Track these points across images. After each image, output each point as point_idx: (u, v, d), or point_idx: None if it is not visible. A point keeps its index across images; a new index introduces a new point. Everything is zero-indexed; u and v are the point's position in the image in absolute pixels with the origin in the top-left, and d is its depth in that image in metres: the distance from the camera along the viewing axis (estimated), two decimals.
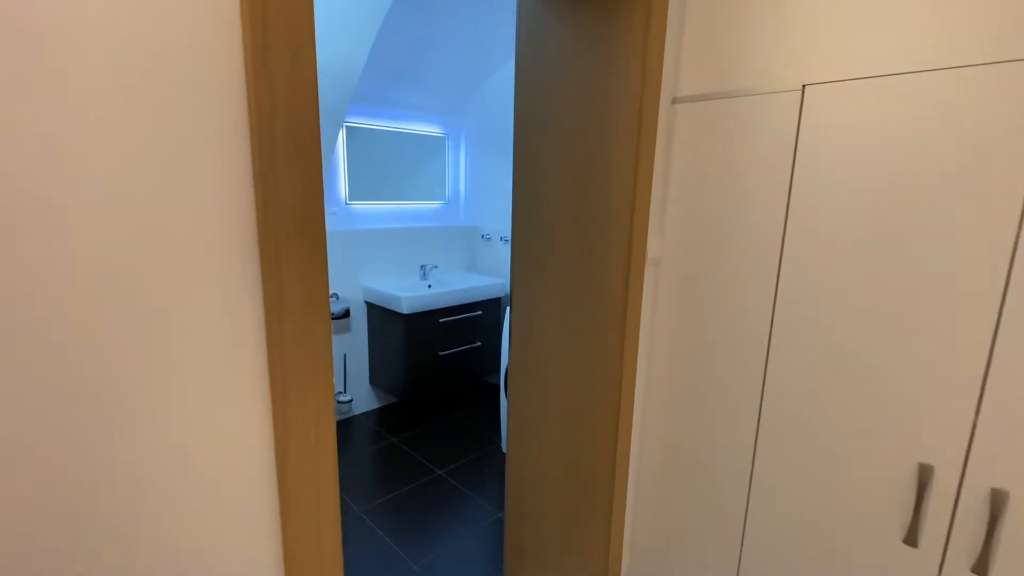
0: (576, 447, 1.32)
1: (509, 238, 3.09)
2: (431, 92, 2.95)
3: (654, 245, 1.17)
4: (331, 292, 2.69)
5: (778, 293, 1.05)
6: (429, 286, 2.97)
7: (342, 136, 2.73)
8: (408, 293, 2.56)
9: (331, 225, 2.77)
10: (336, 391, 2.82)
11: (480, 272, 3.35)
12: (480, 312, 2.89)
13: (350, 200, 2.83)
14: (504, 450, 2.47)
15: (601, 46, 1.12)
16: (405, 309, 2.54)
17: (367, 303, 2.83)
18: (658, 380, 1.25)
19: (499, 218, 3.17)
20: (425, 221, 3.22)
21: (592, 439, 1.27)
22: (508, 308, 2.32)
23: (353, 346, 2.84)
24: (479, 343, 2.93)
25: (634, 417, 1.28)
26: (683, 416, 1.22)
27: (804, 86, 0.98)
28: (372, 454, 2.49)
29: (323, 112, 2.35)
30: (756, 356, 1.09)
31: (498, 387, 3.30)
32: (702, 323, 1.15)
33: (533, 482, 1.48)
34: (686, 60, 1.13)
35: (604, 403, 1.22)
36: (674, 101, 1.15)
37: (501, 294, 2.99)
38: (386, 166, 2.95)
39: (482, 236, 3.29)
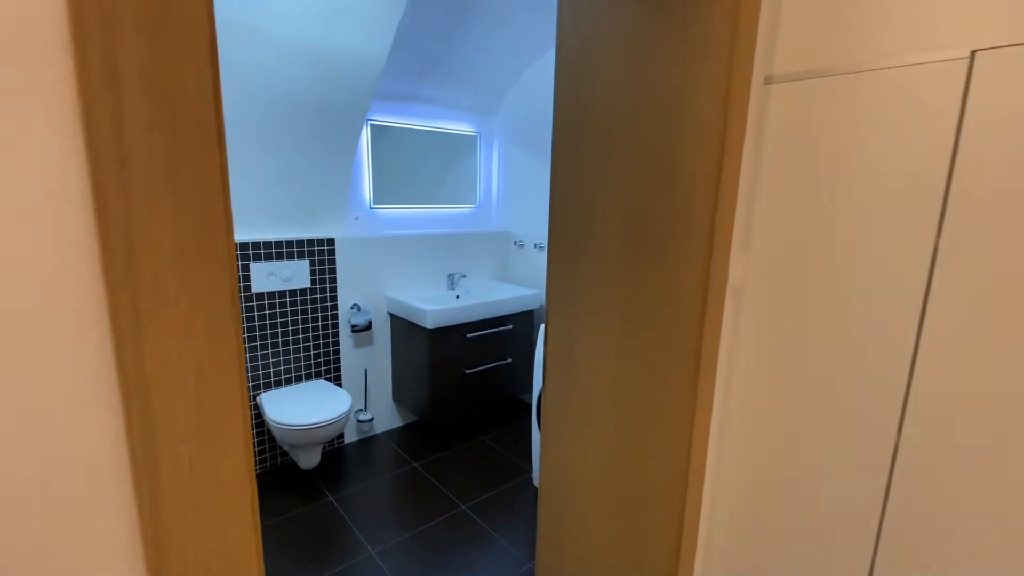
0: (630, 503, 1.06)
1: (544, 245, 2.84)
2: (462, 87, 2.74)
3: (738, 267, 0.90)
4: (352, 303, 2.51)
5: (924, 333, 0.76)
6: (457, 296, 2.75)
7: (366, 135, 2.55)
8: (433, 306, 2.34)
9: (354, 231, 2.58)
10: (356, 408, 2.64)
11: (512, 281, 3.11)
12: (511, 326, 2.65)
13: (375, 204, 2.64)
14: (536, 484, 2.22)
15: (669, 20, 0.86)
16: (430, 324, 2.32)
17: (391, 315, 2.63)
18: (738, 426, 0.98)
19: (533, 223, 2.92)
20: (454, 226, 3.00)
21: (653, 494, 1.00)
22: (543, 325, 2.07)
23: (375, 360, 2.65)
24: (509, 359, 2.69)
25: (707, 470, 1.01)
26: (776, 466, 0.94)
27: (973, 52, 0.69)
28: (391, 482, 2.28)
29: (343, 108, 2.16)
30: (886, 393, 0.80)
31: (530, 405, 3.05)
32: (802, 357, 0.87)
33: (572, 540, 1.23)
34: (787, 25, 0.86)
35: (669, 457, 0.95)
36: (767, 81, 0.88)
37: (535, 306, 2.75)
38: (413, 167, 2.75)
39: (515, 242, 3.05)
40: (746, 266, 0.92)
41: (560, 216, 1.11)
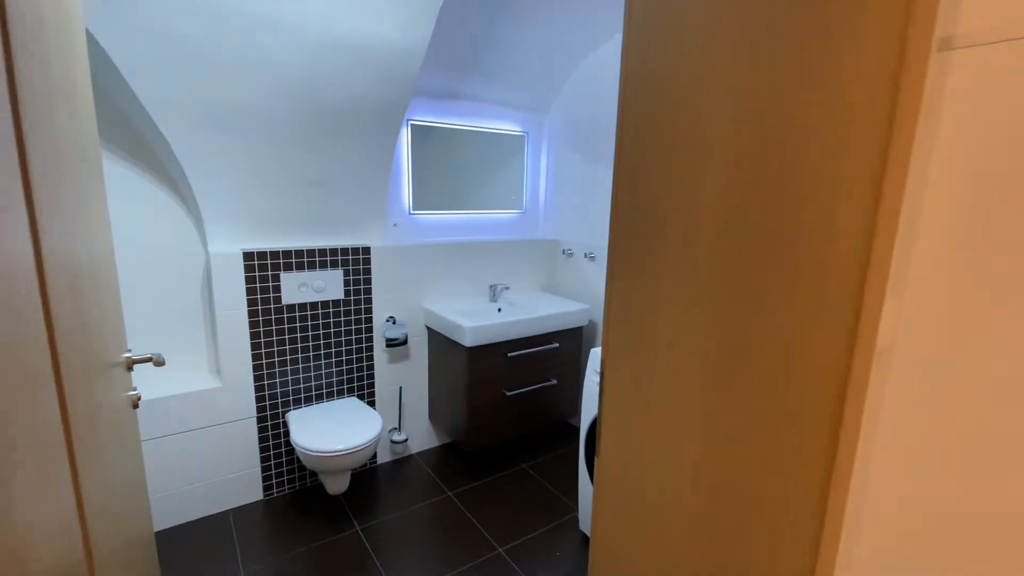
0: None
1: (595, 255, 2.58)
2: (509, 83, 2.52)
3: (891, 319, 0.62)
4: (388, 315, 2.35)
5: None
6: (499, 310, 2.54)
7: (406, 136, 2.38)
8: (472, 322, 2.14)
9: (392, 238, 2.42)
10: (390, 428, 2.48)
11: (559, 294, 2.86)
12: (557, 344, 2.41)
13: (414, 210, 2.47)
14: (583, 529, 1.96)
15: None
16: (468, 341, 2.12)
17: (428, 328, 2.46)
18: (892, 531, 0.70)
19: (584, 231, 2.66)
20: (498, 233, 2.79)
21: None
22: (595, 349, 1.82)
23: (411, 377, 2.48)
24: (554, 381, 2.45)
25: None
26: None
27: None
28: (422, 513, 2.09)
29: (380, 106, 1.99)
30: None
31: (576, 429, 2.80)
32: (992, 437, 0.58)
33: None
34: None
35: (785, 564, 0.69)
36: (944, 46, 0.60)
37: (584, 323, 2.49)
38: (456, 170, 2.57)
39: (563, 251, 2.80)
40: (904, 314, 0.64)
41: (627, 231, 0.86)
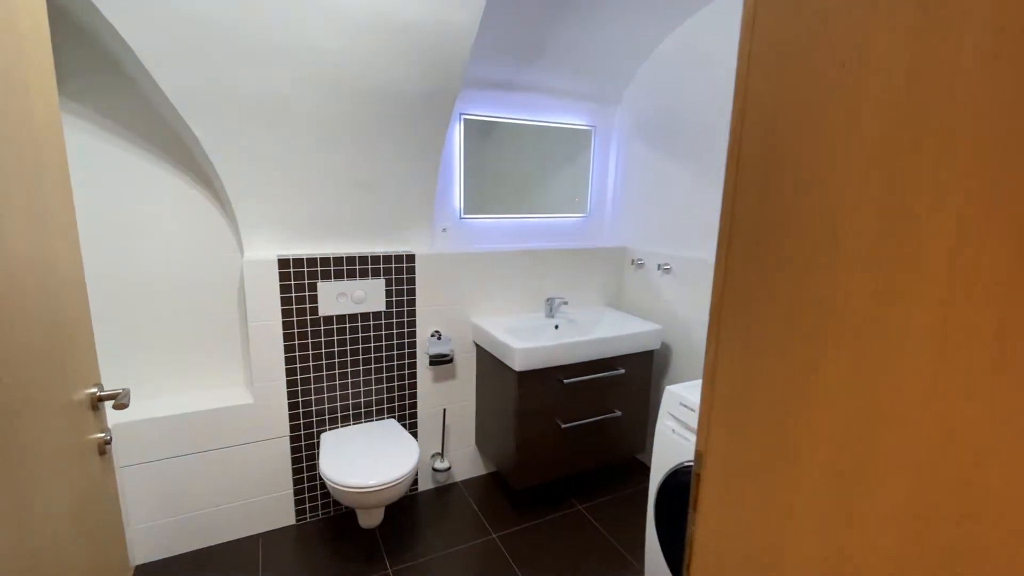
0: None
1: (671, 266, 2.22)
2: (575, 71, 2.22)
3: None
4: (433, 330, 2.13)
5: None
6: (556, 327, 2.24)
7: (458, 132, 2.15)
8: (522, 343, 1.86)
9: (440, 245, 2.20)
10: (432, 453, 2.25)
11: (627, 310, 2.52)
12: (623, 371, 2.07)
13: (466, 213, 2.24)
14: None
15: None
16: (518, 365, 1.85)
17: (476, 345, 2.21)
18: None
19: (658, 238, 2.31)
20: (558, 240, 2.50)
21: None
22: (670, 387, 1.49)
23: (457, 397, 2.25)
24: (618, 413, 2.12)
25: None
26: None
27: None
28: (462, 558, 1.84)
29: (427, 96, 1.77)
30: None
31: (641, 465, 2.44)
32: None
33: None
34: None
35: None
36: None
37: (655, 346, 2.14)
38: (513, 170, 2.30)
39: (633, 262, 2.46)
40: None
41: (756, 248, 0.54)
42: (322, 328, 1.92)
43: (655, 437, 1.55)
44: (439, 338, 2.11)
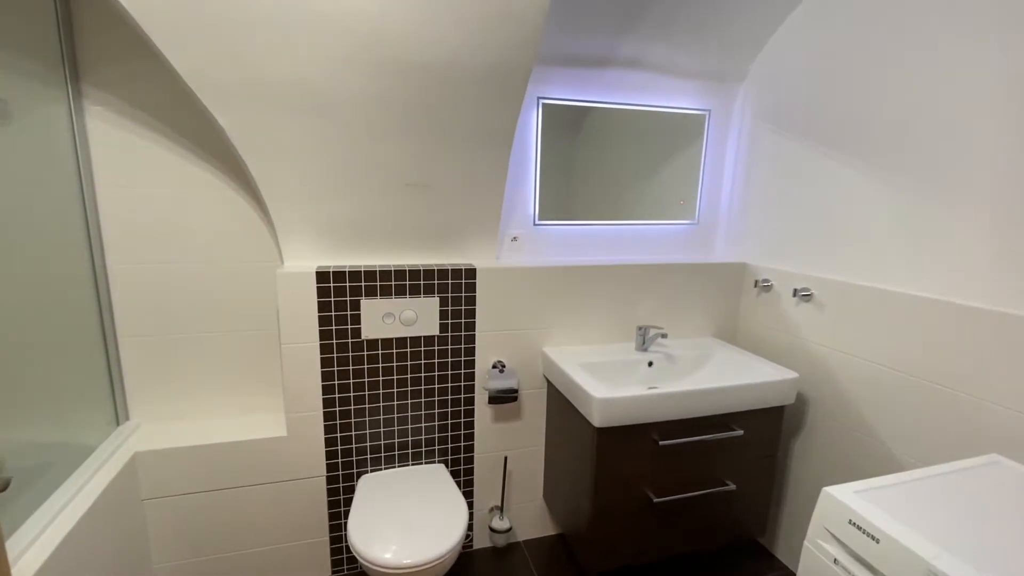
0: None
1: (812, 292, 1.65)
2: (685, 40, 1.74)
3: None
4: (495, 360, 1.75)
5: None
6: (650, 363, 1.77)
7: (535, 119, 1.76)
8: (605, 391, 1.42)
9: (509, 258, 1.83)
10: (490, 507, 1.88)
11: (746, 346, 1.97)
12: (741, 432, 1.55)
13: (541, 219, 1.84)
14: None
15: None
16: (597, 419, 1.41)
17: (548, 381, 1.80)
18: None
19: (795, 256, 1.74)
20: (657, 252, 2.02)
21: None
22: (827, 488, 0.97)
23: (522, 441, 1.86)
24: (732, 485, 1.59)
25: None
26: None
27: None
28: None
29: (492, 73, 1.40)
30: None
31: (765, 555, 1.88)
32: None
33: None
34: None
35: None
36: None
37: (788, 400, 1.59)
38: (602, 165, 1.87)
39: (756, 283, 1.90)
40: None
41: None
42: (365, 353, 1.63)
43: (802, 561, 1.04)
44: (502, 370, 1.74)
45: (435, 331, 1.67)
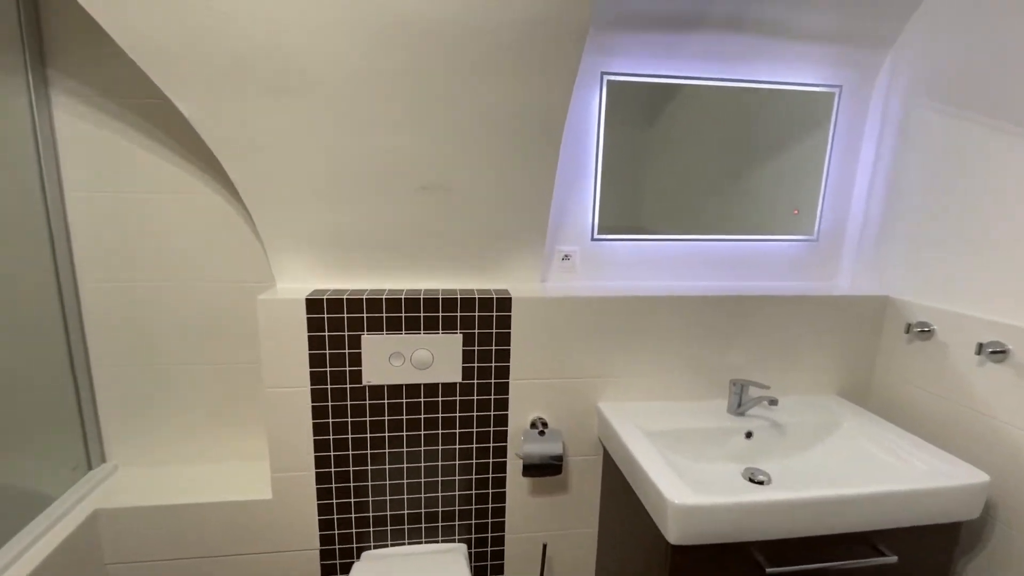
0: None
1: (1009, 347, 1.09)
2: None
3: None
4: (535, 417, 1.35)
5: None
6: (748, 434, 1.28)
7: (598, 102, 1.34)
8: (686, 495, 0.96)
9: (557, 279, 1.43)
10: None
11: (883, 413, 1.42)
12: (894, 559, 1.03)
13: (601, 232, 1.42)
14: None
15: None
16: (674, 533, 0.96)
17: (603, 446, 1.37)
18: None
19: (977, 293, 1.18)
20: (761, 277, 1.52)
21: None
22: None
23: (568, 523, 1.43)
24: None
25: None
26: None
27: None
28: None
29: (534, 34, 1.00)
30: None
31: None
32: None
33: None
34: None
35: None
36: None
37: (969, 514, 1.04)
38: (682, 163, 1.41)
39: (908, 328, 1.35)
40: None
41: None
42: (367, 403, 1.28)
43: None
44: (543, 431, 1.32)
45: (456, 377, 1.29)
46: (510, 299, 1.27)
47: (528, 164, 1.21)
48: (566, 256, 1.44)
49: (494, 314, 1.28)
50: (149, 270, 1.31)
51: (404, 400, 1.29)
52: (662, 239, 1.45)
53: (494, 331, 1.29)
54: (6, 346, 1.18)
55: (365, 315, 1.23)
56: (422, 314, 1.25)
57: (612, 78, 1.33)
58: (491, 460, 1.36)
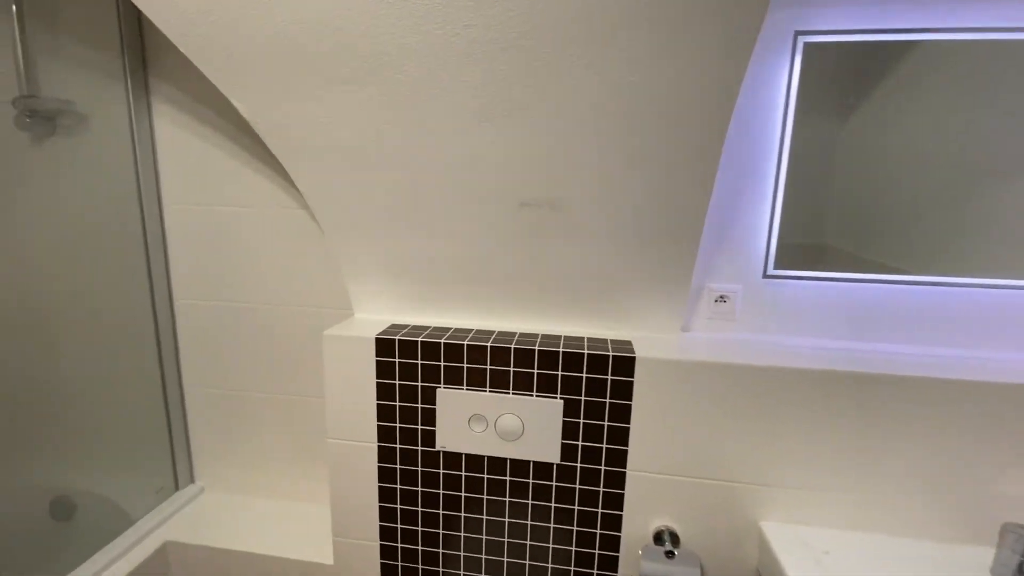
0: None
1: None
2: None
3: None
4: (659, 526, 0.95)
5: None
6: None
7: (787, 77, 0.90)
8: None
9: (706, 329, 1.02)
10: None
11: None
12: None
13: (778, 266, 0.97)
14: None
15: None
16: None
17: None
18: None
19: None
20: None
21: None
22: None
23: None
24: None
25: None
26: None
27: None
28: None
29: None
30: None
31: None
32: None
33: None
34: None
35: None
36: None
37: None
38: (910, 165, 0.89)
39: None
40: None
41: None
42: (440, 471, 1.02)
43: None
44: (671, 551, 0.92)
45: (553, 456, 0.96)
46: (633, 358, 0.90)
47: (672, 170, 0.84)
48: (721, 297, 1.02)
49: (609, 377, 0.92)
50: (235, 289, 1.22)
51: (485, 475, 1.00)
52: (879, 280, 0.95)
53: (608, 401, 0.93)
54: (101, 360, 1.16)
55: (443, 364, 0.97)
56: (512, 368, 0.95)
57: (812, 40, 0.88)
58: (595, 571, 1.00)
